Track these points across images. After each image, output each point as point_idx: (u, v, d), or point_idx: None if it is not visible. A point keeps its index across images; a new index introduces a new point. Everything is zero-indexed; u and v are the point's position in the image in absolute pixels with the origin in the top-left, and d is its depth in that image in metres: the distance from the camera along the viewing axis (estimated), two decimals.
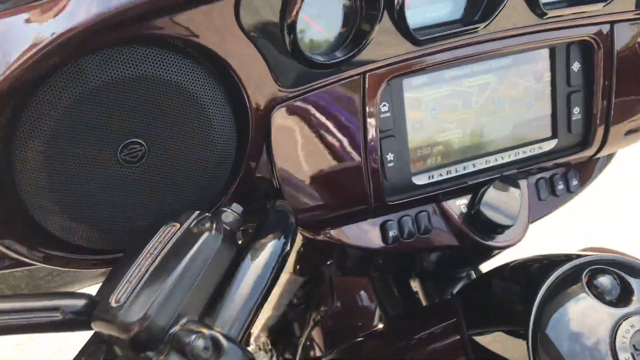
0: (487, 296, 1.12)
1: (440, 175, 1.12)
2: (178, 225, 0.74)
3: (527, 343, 0.88)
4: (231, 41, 0.82)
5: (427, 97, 1.08)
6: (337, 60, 0.92)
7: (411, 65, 1.00)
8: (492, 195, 1.11)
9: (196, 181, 0.90)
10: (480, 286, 1.18)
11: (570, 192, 1.24)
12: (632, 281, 0.93)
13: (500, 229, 1.11)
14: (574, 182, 1.24)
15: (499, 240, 1.15)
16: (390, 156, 1.06)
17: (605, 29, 1.12)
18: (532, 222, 1.21)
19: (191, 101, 0.83)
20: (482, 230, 1.13)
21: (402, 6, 0.92)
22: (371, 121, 1.00)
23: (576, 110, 1.17)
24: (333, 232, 1.10)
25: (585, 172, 1.28)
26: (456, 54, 1.03)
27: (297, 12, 0.84)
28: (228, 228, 0.77)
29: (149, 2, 0.71)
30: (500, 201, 1.11)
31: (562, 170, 1.24)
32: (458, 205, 1.14)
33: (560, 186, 1.23)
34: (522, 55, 1.12)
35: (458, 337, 1.07)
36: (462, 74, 1.09)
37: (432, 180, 1.12)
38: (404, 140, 1.07)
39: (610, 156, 1.32)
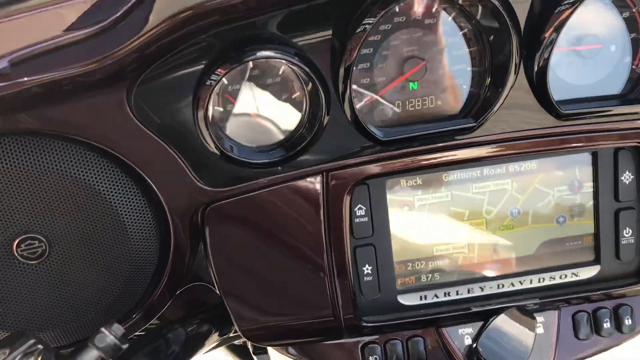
0: None
1: (437, 297, 0.92)
2: (7, 352, 0.64)
3: None
4: (129, 137, 0.72)
5: (421, 202, 0.90)
6: (271, 161, 0.78)
7: (390, 165, 0.84)
8: (498, 328, 0.89)
9: (116, 277, 0.80)
10: None
11: (622, 332, 0.97)
12: None
13: None
14: (628, 321, 0.97)
15: None
16: (367, 268, 0.89)
17: None
18: None
19: (98, 199, 0.75)
20: None
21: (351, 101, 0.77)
22: (337, 226, 0.85)
23: (627, 231, 0.92)
24: (299, 349, 0.94)
25: None
26: (444, 156, 0.84)
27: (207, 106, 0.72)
28: None
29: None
30: (508, 337, 0.89)
31: (612, 303, 0.98)
32: (462, 335, 0.93)
33: (607, 324, 0.96)
34: (553, 159, 0.90)
35: None
36: (469, 177, 0.90)
37: (425, 301, 0.92)
38: (387, 251, 0.90)
39: None
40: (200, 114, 0.72)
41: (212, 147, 0.76)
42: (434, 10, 0.79)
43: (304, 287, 0.87)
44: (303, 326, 0.90)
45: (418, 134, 0.81)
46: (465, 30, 0.80)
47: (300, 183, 0.82)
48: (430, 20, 0.79)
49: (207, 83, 0.70)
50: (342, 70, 0.74)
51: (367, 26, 0.71)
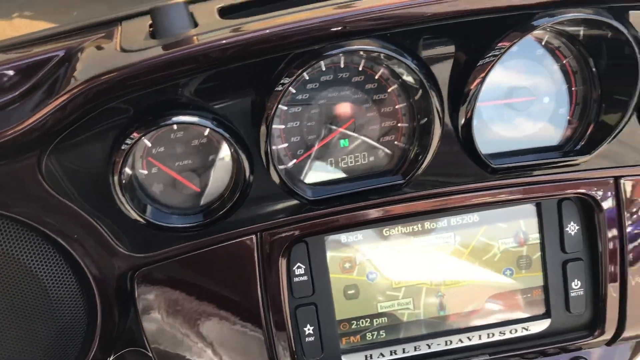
0: None
1: (382, 355, 0.90)
2: None
3: None
4: (43, 206, 0.71)
5: (363, 258, 0.88)
6: (194, 225, 0.77)
7: (326, 223, 0.83)
8: None
9: (41, 345, 0.78)
10: None
11: None
12: None
13: None
14: None
15: None
16: (309, 329, 0.87)
17: (606, 184, 0.87)
18: None
19: (18, 267, 0.73)
20: None
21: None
22: (275, 286, 0.83)
23: (576, 283, 0.90)
24: None
25: None
26: (379, 212, 0.83)
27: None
28: None
29: None
30: None
31: (566, 357, 0.95)
32: None
33: None
34: (496, 211, 0.89)
35: None
36: (410, 231, 0.88)
37: None
38: (329, 310, 0.88)
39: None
40: (116, 178, 0.71)
41: (130, 213, 0.74)
42: (360, 68, 0.78)
43: (242, 350, 0.85)
44: None
45: (348, 192, 0.80)
46: (394, 87, 0.80)
47: (233, 244, 0.80)
48: (358, 78, 0.79)
49: (122, 147, 0.69)
50: (262, 130, 0.73)
51: (281, 86, 0.71)
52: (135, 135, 0.69)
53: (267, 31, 0.66)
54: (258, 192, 0.78)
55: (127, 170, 0.74)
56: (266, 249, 0.82)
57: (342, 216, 0.82)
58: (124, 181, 0.72)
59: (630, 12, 0.76)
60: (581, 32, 0.80)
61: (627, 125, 0.82)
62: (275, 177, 0.77)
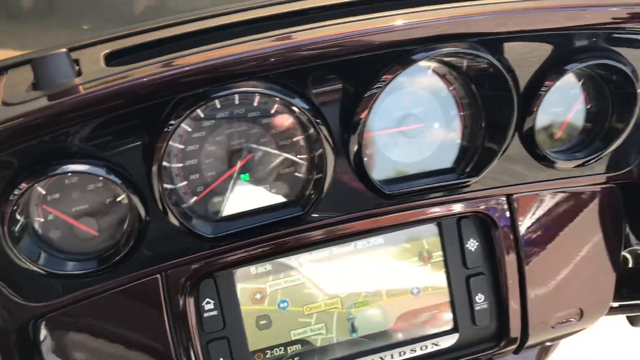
0: None
1: None
2: None
3: None
4: None
5: (273, 288, 0.89)
6: (90, 271, 0.77)
7: (229, 258, 0.84)
8: None
9: None
10: None
11: None
12: None
13: None
14: None
15: None
16: None
17: (499, 201, 0.91)
18: None
19: None
20: None
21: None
22: (184, 324, 0.83)
23: (480, 297, 0.94)
24: None
25: None
26: (282, 243, 0.85)
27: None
28: None
29: None
30: None
31: None
32: None
33: None
34: (399, 233, 0.92)
35: None
36: (318, 258, 0.90)
37: None
38: (242, 342, 0.89)
39: (549, 347, 1.05)
40: (5, 229, 0.70)
41: (22, 263, 0.73)
42: (255, 104, 0.80)
43: None
44: None
45: (248, 227, 0.82)
46: (290, 121, 0.82)
47: (137, 285, 0.80)
48: (254, 114, 0.81)
49: (9, 198, 0.69)
50: (154, 170, 0.74)
51: (170, 127, 0.72)
52: (23, 185, 0.69)
53: (147, 79, 0.67)
54: (159, 232, 0.79)
55: (21, 219, 0.73)
56: (172, 287, 0.82)
57: (245, 250, 0.83)
58: (15, 231, 0.72)
59: (505, 44, 0.81)
60: (464, 63, 0.84)
61: (512, 146, 0.87)
62: (171, 218, 0.78)
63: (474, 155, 0.88)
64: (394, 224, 0.89)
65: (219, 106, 0.79)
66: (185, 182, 0.81)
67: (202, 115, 0.78)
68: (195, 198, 0.82)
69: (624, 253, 1.14)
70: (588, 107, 0.92)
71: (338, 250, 0.91)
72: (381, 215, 0.87)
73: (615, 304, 1.08)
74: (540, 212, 0.93)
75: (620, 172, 0.95)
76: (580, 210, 0.95)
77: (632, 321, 1.19)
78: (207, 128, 0.80)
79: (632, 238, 1.06)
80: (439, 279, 0.94)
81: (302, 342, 0.91)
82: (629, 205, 0.97)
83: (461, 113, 0.89)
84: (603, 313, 1.00)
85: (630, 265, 1.11)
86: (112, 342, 0.82)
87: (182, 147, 0.79)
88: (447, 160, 0.91)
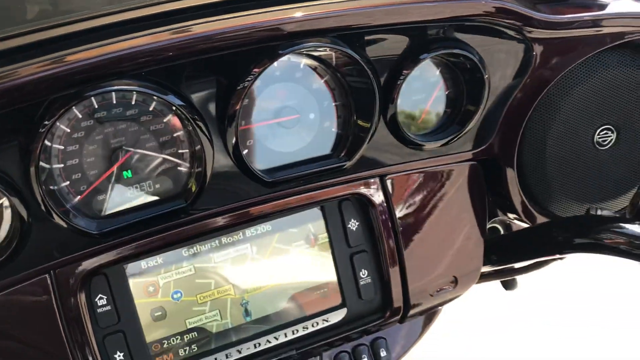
0: None
1: None
2: None
3: None
4: None
5: (165, 280, 0.92)
6: None
7: (121, 253, 0.86)
8: None
9: None
10: None
11: None
12: None
13: None
14: (383, 353, 1.06)
15: None
16: (119, 355, 0.89)
17: (374, 183, 0.99)
18: None
19: None
20: None
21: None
22: (77, 321, 0.85)
23: (363, 273, 1.01)
24: None
25: (399, 340, 1.10)
26: (174, 235, 0.89)
27: None
28: None
29: None
30: None
31: (368, 338, 1.06)
32: None
33: (366, 359, 1.04)
34: (286, 219, 0.98)
35: None
36: (208, 248, 0.94)
37: None
38: (138, 334, 0.91)
39: (430, 319, 1.14)
40: None
41: None
42: (133, 102, 0.83)
43: None
44: None
45: (132, 222, 0.85)
46: (169, 117, 0.86)
47: (25, 287, 0.81)
48: (132, 112, 0.84)
49: None
50: (32, 172, 0.75)
51: (44, 127, 0.74)
52: None
53: (19, 80, 0.69)
54: (44, 232, 0.80)
55: None
56: (62, 286, 0.83)
57: (134, 245, 0.86)
58: None
59: (365, 37, 0.89)
60: (332, 56, 0.91)
61: (381, 132, 0.95)
62: (56, 218, 0.79)
63: (347, 142, 0.96)
64: (279, 210, 0.95)
65: (96, 106, 0.81)
66: (67, 182, 0.83)
67: (79, 115, 0.80)
68: (79, 197, 0.84)
69: (495, 224, 1.26)
70: (447, 92, 1.02)
71: (227, 239, 0.95)
72: (265, 202, 0.93)
73: (487, 270, 1.20)
74: (412, 190, 1.02)
75: (480, 149, 1.05)
76: (448, 186, 1.05)
77: (506, 286, 1.32)
78: (86, 128, 0.82)
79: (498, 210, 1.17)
80: (326, 259, 1.01)
81: (197, 330, 0.95)
82: (489, 179, 1.08)
83: (334, 103, 0.96)
84: (475, 280, 1.10)
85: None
86: (5, 345, 0.82)
87: (62, 147, 0.81)
88: (325, 147, 0.97)
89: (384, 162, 0.99)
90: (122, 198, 0.86)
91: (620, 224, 0.91)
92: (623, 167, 1.11)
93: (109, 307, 0.89)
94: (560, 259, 1.11)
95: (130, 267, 0.90)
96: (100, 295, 0.88)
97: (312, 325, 1.00)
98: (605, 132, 1.07)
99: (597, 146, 1.08)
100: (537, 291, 3.07)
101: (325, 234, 1.00)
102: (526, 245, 1.12)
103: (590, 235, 0.94)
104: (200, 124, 0.82)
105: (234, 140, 0.86)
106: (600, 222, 0.94)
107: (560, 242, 1.00)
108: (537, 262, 1.20)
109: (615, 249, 0.90)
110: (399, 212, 1.01)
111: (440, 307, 1.13)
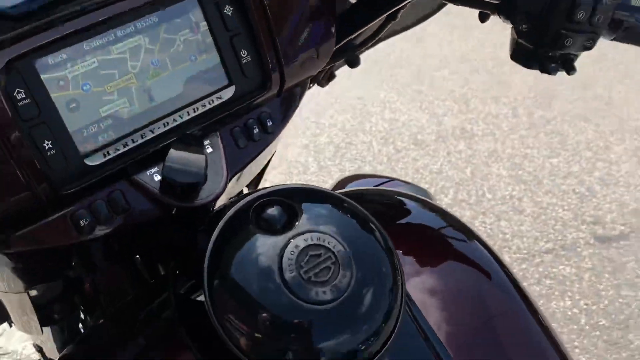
0: (195, 249, 1.10)
1: (117, 149, 1.07)
2: None
3: (204, 289, 0.88)
4: None
5: (74, 74, 1.01)
6: None
7: (19, 46, 0.93)
8: (174, 157, 1.08)
9: None
10: (189, 241, 1.15)
11: (268, 133, 1.26)
12: (297, 206, 0.96)
13: (193, 187, 1.10)
14: (269, 123, 1.25)
15: (201, 198, 1.13)
16: (47, 144, 0.99)
17: None
18: (237, 173, 1.22)
19: None
20: (178, 194, 1.11)
21: None
22: (3, 115, 0.92)
23: (244, 52, 1.18)
24: (18, 238, 1.02)
25: (282, 109, 1.30)
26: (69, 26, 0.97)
27: None
28: None
29: None
30: (184, 161, 1.09)
31: (256, 113, 1.25)
32: (150, 175, 1.11)
33: (256, 130, 1.24)
34: (170, 10, 1.09)
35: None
36: (106, 41, 1.04)
37: (109, 157, 1.07)
38: (60, 125, 1.01)
39: (303, 90, 1.36)
40: None
41: None
42: None
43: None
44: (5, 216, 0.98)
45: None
46: None
47: None
48: None
49: None
50: None
51: None
52: None
53: None
54: None
55: None
56: None
57: (40, 35, 0.93)
58: None
59: None
60: None
61: None
62: None
63: None
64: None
65: None
66: None
67: None
68: None
69: None
70: None
71: (121, 32, 1.05)
72: None
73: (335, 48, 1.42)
74: None
75: None
76: None
77: (351, 63, 1.56)
78: None
79: None
80: (209, 44, 1.15)
81: (111, 117, 1.07)
82: None
83: None
84: (331, 50, 1.32)
85: None
86: None
87: None
88: None
89: None
90: None
91: None
92: None
93: (28, 100, 0.96)
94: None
95: (39, 64, 0.98)
96: (17, 89, 0.95)
97: (209, 103, 1.16)
98: None
99: None
100: None
101: (205, 22, 1.14)
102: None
103: None
104: None
105: None
106: None
107: None
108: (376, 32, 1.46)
109: None
110: None
111: (311, 85, 1.34)
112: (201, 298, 1.00)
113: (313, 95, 5.51)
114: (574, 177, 4.86)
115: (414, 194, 1.34)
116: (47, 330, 1.79)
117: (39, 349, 2.04)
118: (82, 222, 1.05)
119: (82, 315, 1.74)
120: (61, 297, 1.51)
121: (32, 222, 1.03)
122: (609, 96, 5.74)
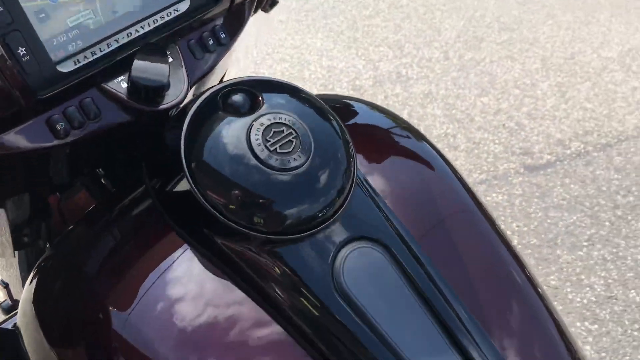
0: (164, 147, 1.20)
1: (86, 57, 1.16)
2: None
3: (185, 175, 1.00)
4: None
5: None
6: None
7: None
8: (139, 63, 1.18)
9: None
10: (157, 142, 1.25)
11: (222, 45, 1.36)
12: (260, 94, 1.09)
13: (158, 91, 1.20)
14: (222, 35, 1.36)
15: (166, 102, 1.23)
16: (22, 50, 1.07)
17: None
18: (197, 82, 1.32)
19: None
20: (145, 98, 1.21)
21: None
22: None
23: None
24: None
25: (233, 24, 1.40)
26: None
27: None
28: None
29: None
30: (149, 67, 1.18)
31: (210, 26, 1.35)
32: (117, 82, 1.20)
33: (211, 42, 1.34)
34: None
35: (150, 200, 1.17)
36: None
37: (79, 64, 1.15)
38: (33, 33, 1.09)
39: (250, 6, 1.46)
40: None
41: None
42: None
43: None
44: None
45: None
46: None
47: None
48: None
49: None
50: None
51: None
52: None
53: None
54: None
55: None
56: None
57: None
58: None
59: None
60: None
61: None
62: None
63: None
64: None
65: None
66: None
67: None
68: None
69: None
70: None
71: None
72: None
73: None
74: None
75: None
76: None
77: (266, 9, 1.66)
78: None
79: None
80: None
81: (78, 27, 1.15)
82: None
83: None
84: None
85: None
86: None
87: None
88: None
89: None
90: None
91: None
92: None
93: (1, 8, 1.04)
94: None
95: None
96: None
97: (167, 15, 1.25)
98: None
99: None
100: None
101: None
102: None
103: None
104: None
105: None
106: None
107: None
108: None
109: None
110: None
111: (255, 11, 1.45)
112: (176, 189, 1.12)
113: (250, 47, 5.55)
114: (503, 113, 5.15)
115: (368, 101, 1.47)
116: (14, 261, 1.86)
117: (5, 285, 2.10)
118: (57, 127, 1.15)
119: (48, 243, 1.82)
120: (30, 220, 1.59)
121: (11, 127, 1.12)
122: (534, 37, 6.04)
